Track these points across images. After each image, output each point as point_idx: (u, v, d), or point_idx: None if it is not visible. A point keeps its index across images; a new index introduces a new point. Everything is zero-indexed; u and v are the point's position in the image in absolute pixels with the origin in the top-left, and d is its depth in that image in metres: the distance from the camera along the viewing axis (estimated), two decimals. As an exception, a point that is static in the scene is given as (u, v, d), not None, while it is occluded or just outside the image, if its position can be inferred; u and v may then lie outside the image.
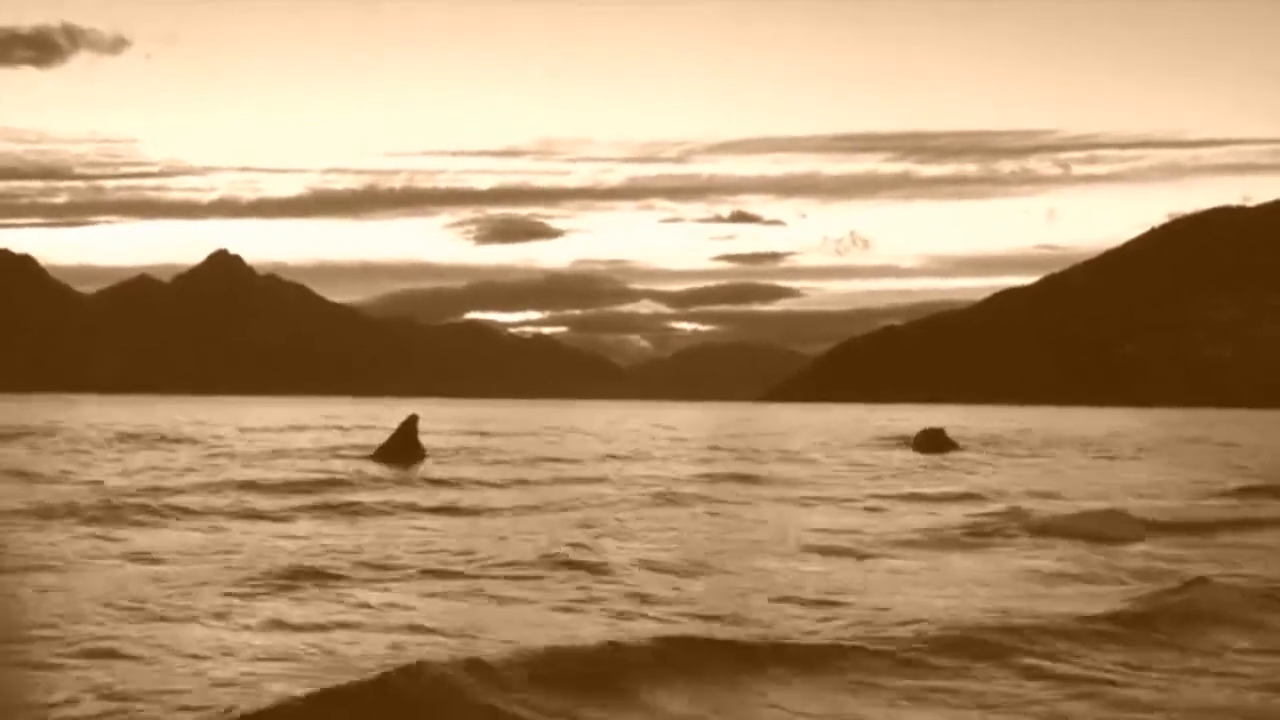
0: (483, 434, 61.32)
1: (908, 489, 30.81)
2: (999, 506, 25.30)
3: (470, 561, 16.51)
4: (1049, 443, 61.71)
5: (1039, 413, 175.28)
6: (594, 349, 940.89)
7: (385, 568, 15.85)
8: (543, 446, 49.94)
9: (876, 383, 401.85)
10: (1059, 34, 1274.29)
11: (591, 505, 24.97)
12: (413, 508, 24.06)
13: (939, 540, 20.06)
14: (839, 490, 30.36)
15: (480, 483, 30.40)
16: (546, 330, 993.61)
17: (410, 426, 38.17)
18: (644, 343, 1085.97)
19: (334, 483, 28.91)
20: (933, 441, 49.99)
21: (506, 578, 15.19)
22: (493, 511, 23.76)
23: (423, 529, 20.80)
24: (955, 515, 23.93)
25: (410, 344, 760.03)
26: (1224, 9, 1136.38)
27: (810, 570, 16.53)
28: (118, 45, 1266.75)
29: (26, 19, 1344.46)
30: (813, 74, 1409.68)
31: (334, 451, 41.23)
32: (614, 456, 42.78)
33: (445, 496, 26.72)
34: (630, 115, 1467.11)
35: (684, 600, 13.82)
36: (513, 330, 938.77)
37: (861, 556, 17.98)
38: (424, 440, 38.68)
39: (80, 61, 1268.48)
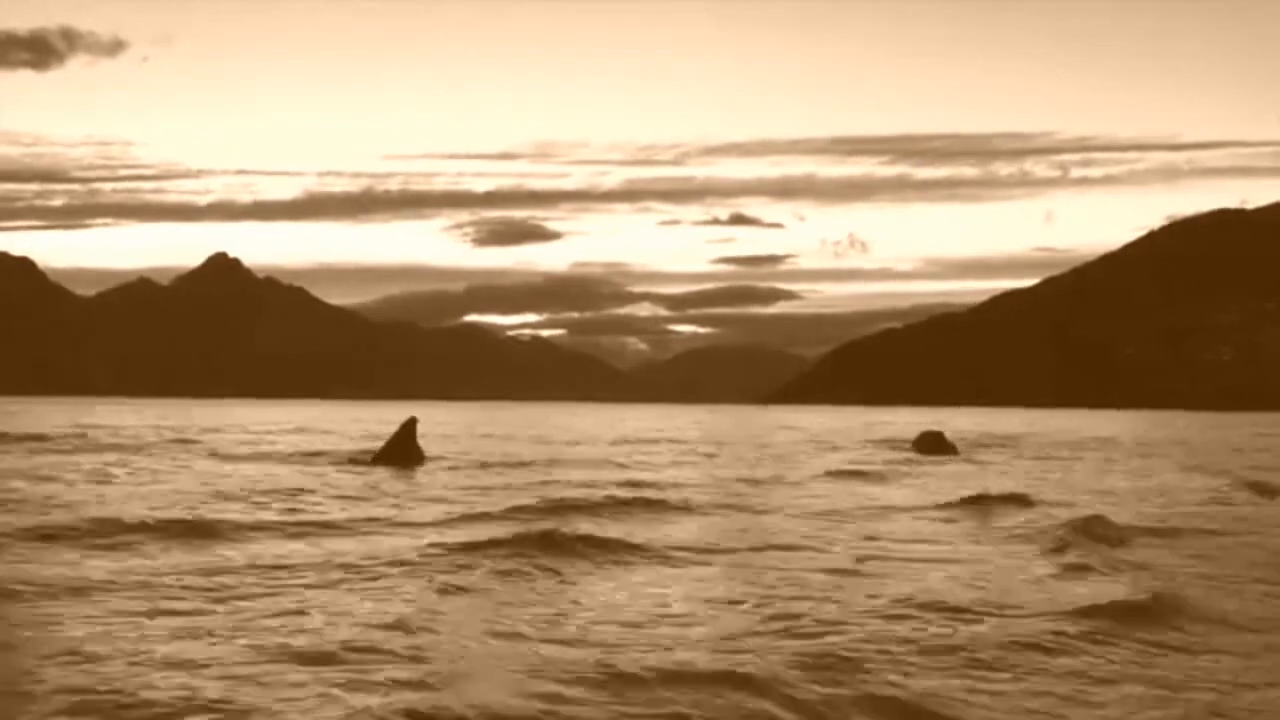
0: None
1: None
2: None
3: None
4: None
5: (1038, 415, 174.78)
6: (592, 352, 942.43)
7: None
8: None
9: (876, 386, 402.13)
10: (1055, 36, 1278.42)
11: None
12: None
13: None
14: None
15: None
16: (545, 333, 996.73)
17: (409, 430, 38.16)
18: (642, 345, 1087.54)
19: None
20: (932, 444, 50.52)
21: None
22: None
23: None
24: None
25: (409, 347, 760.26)
26: (1220, 11, 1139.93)
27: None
28: (115, 48, 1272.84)
29: (24, 21, 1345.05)
30: (809, 77, 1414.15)
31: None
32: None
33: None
34: (627, 118, 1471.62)
35: None
36: (511, 333, 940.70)
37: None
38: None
39: (77, 64, 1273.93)
